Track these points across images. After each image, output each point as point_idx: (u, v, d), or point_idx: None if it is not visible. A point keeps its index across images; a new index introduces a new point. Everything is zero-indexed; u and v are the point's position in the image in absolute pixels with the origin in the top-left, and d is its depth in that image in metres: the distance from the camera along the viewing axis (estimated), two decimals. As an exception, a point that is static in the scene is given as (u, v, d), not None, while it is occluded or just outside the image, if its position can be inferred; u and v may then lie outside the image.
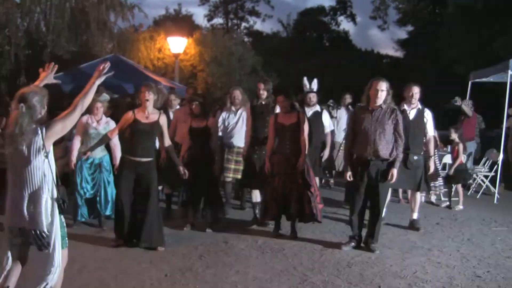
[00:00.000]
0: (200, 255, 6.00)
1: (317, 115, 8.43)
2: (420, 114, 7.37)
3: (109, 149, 7.28)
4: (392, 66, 31.24)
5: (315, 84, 8.43)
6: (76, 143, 7.09)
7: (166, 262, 5.70)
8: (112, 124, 7.09)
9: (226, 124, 8.23)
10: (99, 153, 7.12)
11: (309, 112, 8.34)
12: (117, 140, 7.06)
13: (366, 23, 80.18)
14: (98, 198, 7.14)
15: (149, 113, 6.14)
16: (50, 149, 3.68)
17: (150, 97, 6.10)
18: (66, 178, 7.29)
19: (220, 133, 8.01)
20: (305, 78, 8.54)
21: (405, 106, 7.32)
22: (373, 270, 5.55)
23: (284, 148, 6.79)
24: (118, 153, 7.06)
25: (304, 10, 35.69)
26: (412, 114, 7.31)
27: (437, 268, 5.66)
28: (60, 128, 3.67)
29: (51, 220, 3.65)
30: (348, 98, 10.95)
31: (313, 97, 8.43)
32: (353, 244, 6.34)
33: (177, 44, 16.73)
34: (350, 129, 6.44)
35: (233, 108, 8.23)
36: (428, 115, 7.45)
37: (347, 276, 5.36)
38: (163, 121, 6.30)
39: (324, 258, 5.96)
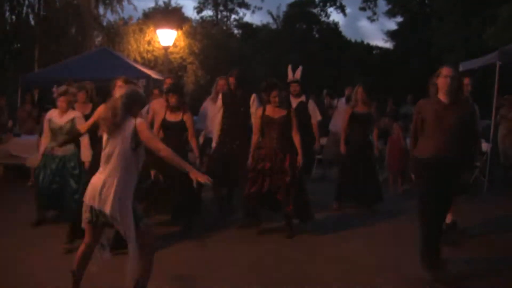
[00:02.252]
0: (185, 249, 5.99)
1: (303, 106, 8.25)
2: None
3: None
4: (382, 57, 31.22)
5: (299, 72, 8.33)
6: (43, 139, 6.69)
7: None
8: (80, 120, 6.42)
9: (205, 114, 7.84)
10: (65, 149, 6.46)
11: (295, 103, 8.18)
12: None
13: (356, 14, 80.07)
14: (59, 193, 6.48)
15: None
16: (141, 143, 3.96)
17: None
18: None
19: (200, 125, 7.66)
20: (289, 67, 8.43)
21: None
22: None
23: (271, 142, 6.34)
24: (86, 150, 6.45)
25: (293, 2, 35.40)
26: None
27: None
28: (146, 134, 3.93)
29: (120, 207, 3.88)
30: (348, 91, 10.69)
31: (297, 87, 8.34)
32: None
33: (166, 37, 16.66)
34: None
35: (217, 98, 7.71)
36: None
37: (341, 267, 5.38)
38: None
39: (317, 251, 5.97)
